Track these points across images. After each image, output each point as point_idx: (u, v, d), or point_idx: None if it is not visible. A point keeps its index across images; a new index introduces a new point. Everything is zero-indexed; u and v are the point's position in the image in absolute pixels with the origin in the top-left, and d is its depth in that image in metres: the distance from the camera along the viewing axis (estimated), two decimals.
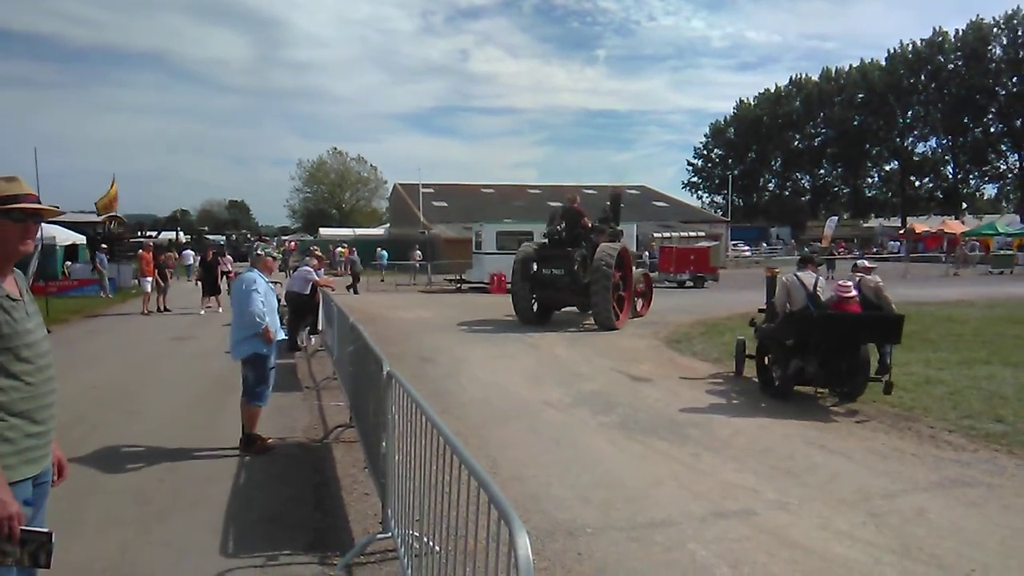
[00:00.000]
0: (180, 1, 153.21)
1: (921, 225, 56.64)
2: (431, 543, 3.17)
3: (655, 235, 41.04)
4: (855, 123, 73.76)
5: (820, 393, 8.60)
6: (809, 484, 5.55)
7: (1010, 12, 62.36)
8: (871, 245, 56.45)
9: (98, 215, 29.98)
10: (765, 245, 59.71)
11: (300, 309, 12.31)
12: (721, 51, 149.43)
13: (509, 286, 22.67)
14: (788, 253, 53.69)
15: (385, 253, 37.70)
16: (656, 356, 11.87)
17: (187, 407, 8.32)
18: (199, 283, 20.72)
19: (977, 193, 73.31)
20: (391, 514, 4.11)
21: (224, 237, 58.94)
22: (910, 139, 72.25)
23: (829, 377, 8.17)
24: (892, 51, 70.48)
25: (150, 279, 19.42)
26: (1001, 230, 44.02)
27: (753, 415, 7.83)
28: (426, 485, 3.25)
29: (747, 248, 56.51)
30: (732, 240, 55.07)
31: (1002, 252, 37.95)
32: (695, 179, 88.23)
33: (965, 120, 66.69)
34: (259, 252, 7.13)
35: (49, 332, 2.85)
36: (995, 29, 63.74)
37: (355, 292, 26.01)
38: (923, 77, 67.88)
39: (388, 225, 68.86)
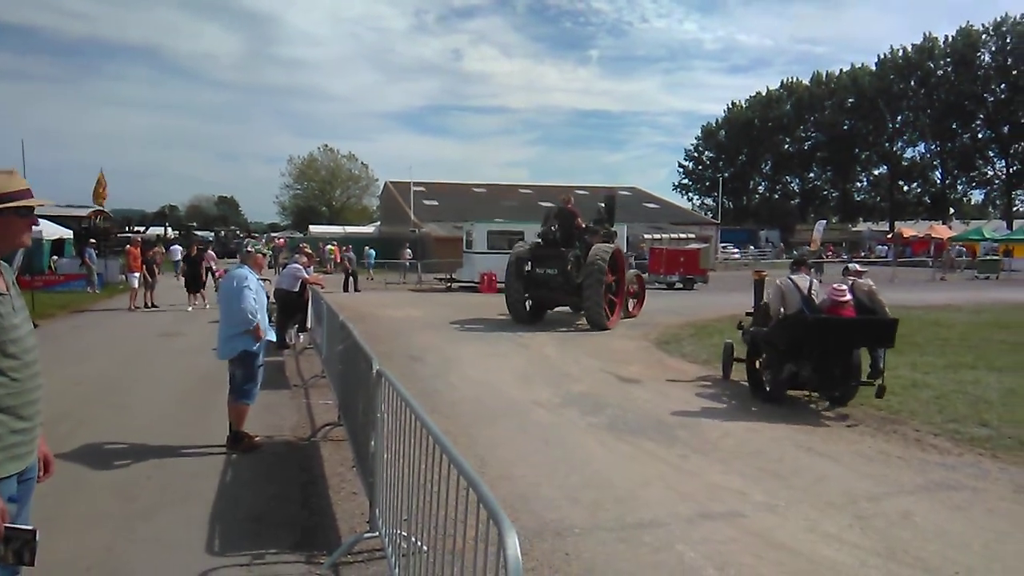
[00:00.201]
0: None
1: (909, 230, 57.02)
2: (419, 542, 3.17)
3: (645, 236, 41.12)
4: (845, 127, 74.25)
5: (810, 397, 8.59)
6: (796, 486, 5.58)
7: (999, 20, 63.00)
8: (859, 249, 56.78)
9: (93, 206, 29.86)
10: (753, 248, 59.99)
11: (289, 307, 12.25)
12: (713, 54, 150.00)
13: (500, 285, 22.73)
14: (777, 256, 54.01)
15: (373, 251, 37.59)
16: (645, 357, 11.90)
17: (174, 404, 8.27)
18: (183, 279, 20.58)
19: (964, 198, 74.00)
20: (379, 513, 4.10)
21: (213, 233, 58.52)
22: (899, 144, 72.83)
23: (822, 381, 8.10)
24: (882, 56, 71.02)
25: (137, 275, 19.28)
26: (988, 235, 44.40)
27: (741, 417, 7.86)
28: (414, 484, 3.24)
29: (736, 250, 56.74)
30: (722, 242, 55.23)
31: (988, 257, 38.26)
32: (686, 181, 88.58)
33: (953, 126, 67.27)
34: (249, 249, 7.08)
35: (36, 327, 2.83)
36: (984, 36, 64.30)
37: (356, 290, 25.94)
38: (913, 83, 68.38)
39: (379, 223, 68.66)
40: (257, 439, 6.56)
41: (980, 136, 67.36)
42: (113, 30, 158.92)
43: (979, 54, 64.66)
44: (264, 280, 7.33)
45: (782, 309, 8.49)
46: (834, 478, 5.80)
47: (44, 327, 14.29)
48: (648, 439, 6.88)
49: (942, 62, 66.80)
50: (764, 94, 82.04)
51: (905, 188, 74.05)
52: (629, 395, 8.91)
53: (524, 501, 5.16)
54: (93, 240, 26.24)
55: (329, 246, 41.38)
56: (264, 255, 7.12)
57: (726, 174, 78.66)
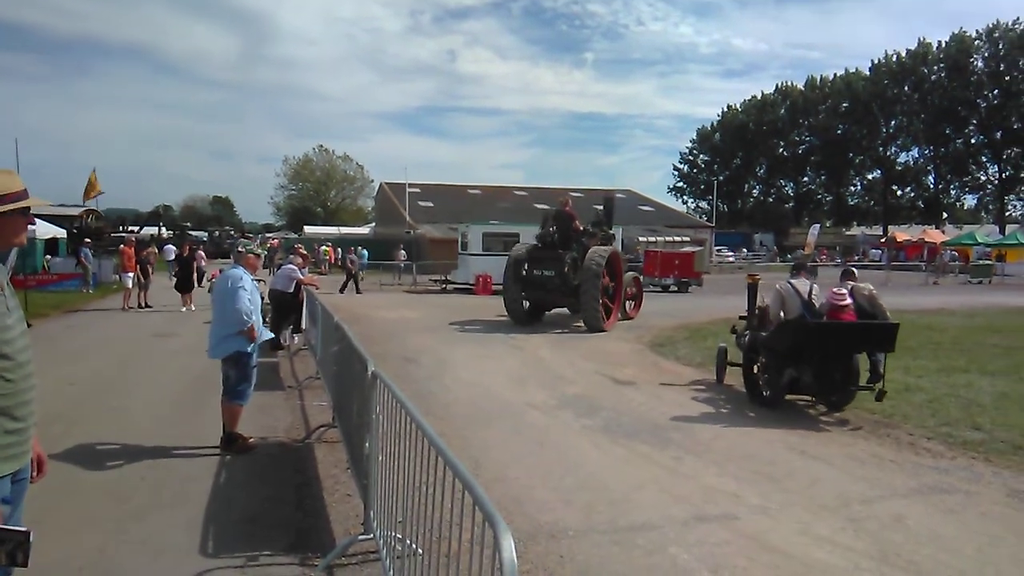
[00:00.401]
0: None
1: (902, 234, 57.38)
2: (413, 545, 3.17)
3: (640, 239, 41.18)
4: (839, 132, 74.66)
5: (807, 401, 8.54)
6: (790, 489, 5.59)
7: (991, 26, 63.39)
8: (853, 253, 57.06)
9: (83, 204, 29.77)
10: (746, 251, 60.16)
11: (283, 307, 12.23)
12: (708, 57, 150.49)
13: (495, 287, 22.78)
14: (771, 259, 54.21)
15: (365, 252, 37.48)
16: (640, 360, 11.91)
17: (168, 405, 8.24)
18: (175, 280, 20.50)
19: (958, 203, 74.43)
20: (373, 515, 4.09)
21: (207, 233, 58.25)
22: (893, 149, 73.33)
23: (822, 386, 8.02)
24: (876, 61, 71.46)
25: (131, 275, 19.21)
26: (980, 240, 44.69)
27: (735, 420, 7.87)
28: (409, 486, 3.23)
29: (731, 254, 56.89)
30: (716, 246, 55.39)
31: (981, 262, 38.48)
32: (681, 184, 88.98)
33: (947, 131, 67.73)
34: (240, 249, 7.06)
35: (29, 327, 2.82)
36: (977, 42, 64.73)
37: (357, 292, 25.88)
38: (906, 88, 68.82)
39: (374, 224, 68.59)
40: (251, 440, 6.54)
41: (973, 141, 67.85)
42: (105, 29, 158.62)
43: (972, 60, 65.16)
44: (259, 281, 7.31)
45: (782, 314, 8.41)
46: (827, 481, 5.81)
47: (37, 327, 14.22)
48: (642, 442, 6.88)
49: (935, 67, 67.29)
50: (759, 98, 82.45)
51: (899, 192, 74.49)
52: (623, 397, 8.91)
53: (518, 503, 5.16)
54: (89, 240, 26.16)
55: (324, 247, 41.33)
56: (257, 255, 7.09)
57: (721, 177, 79.04)
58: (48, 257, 27.02)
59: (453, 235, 33.04)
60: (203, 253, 24.03)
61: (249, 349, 6.44)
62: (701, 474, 5.95)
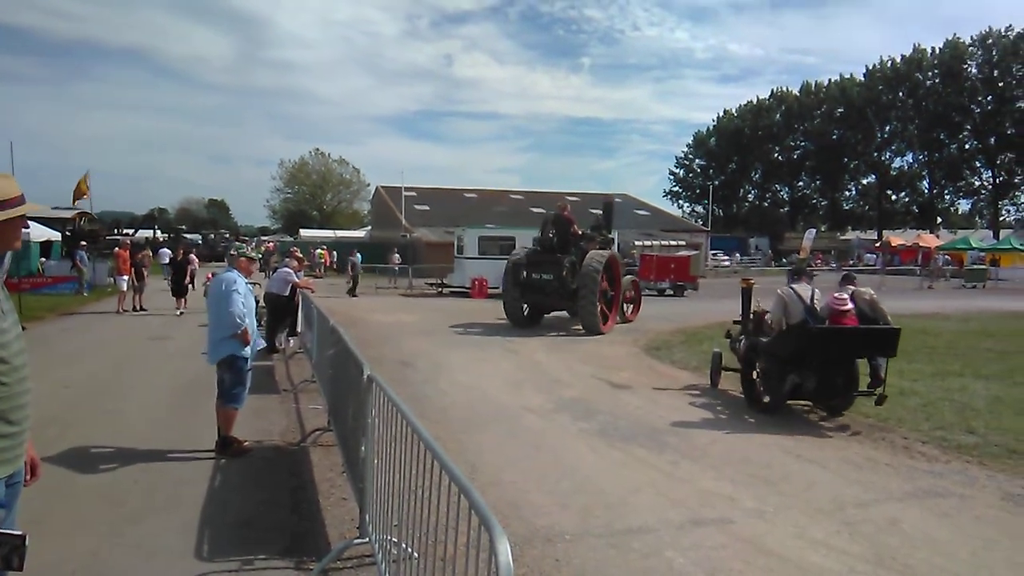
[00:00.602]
0: None
1: (897, 238, 57.56)
2: (409, 549, 3.16)
3: (636, 243, 41.25)
4: (834, 137, 74.87)
5: (804, 406, 8.50)
6: (785, 493, 5.60)
7: (984, 32, 63.73)
8: (848, 257, 57.19)
9: (72, 206, 29.68)
10: (739, 255, 60.28)
11: (279, 311, 12.22)
12: (704, 63, 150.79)
13: (491, 291, 22.82)
14: (766, 264, 54.30)
15: (359, 255, 37.36)
16: (636, 364, 11.92)
17: (162, 408, 8.22)
18: (169, 283, 20.45)
19: (952, 208, 74.62)
20: (369, 519, 4.08)
21: (201, 236, 58.09)
22: (887, 154, 73.42)
23: (824, 391, 7.95)
24: (871, 67, 71.67)
25: (126, 278, 19.14)
26: (975, 245, 44.87)
27: (731, 424, 7.88)
28: (405, 490, 3.23)
29: (726, 258, 57.00)
30: (712, 250, 55.48)
31: (975, 266, 38.63)
32: (676, 188, 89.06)
33: (941, 136, 67.93)
34: (232, 252, 7.06)
35: (24, 330, 2.81)
36: (971, 48, 65.04)
37: (353, 295, 25.89)
38: (901, 93, 69.03)
39: (370, 228, 68.52)
40: (246, 444, 6.52)
41: (967, 147, 68.04)
42: (104, 32, 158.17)
43: (966, 66, 65.36)
44: (253, 284, 7.30)
45: (785, 319, 8.30)
46: (823, 485, 5.82)
47: (32, 330, 14.17)
48: (639, 445, 6.88)
49: (930, 73, 67.52)
50: (754, 103, 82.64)
51: (893, 197, 74.66)
52: (620, 401, 8.92)
53: (514, 507, 5.15)
54: (84, 243, 26.11)
55: (319, 250, 41.24)
56: (251, 259, 7.07)
57: (716, 182, 79.15)
58: (43, 260, 26.94)
59: (449, 239, 33.05)
60: (194, 257, 23.89)
61: (244, 353, 6.43)
62: (697, 478, 5.95)
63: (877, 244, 55.64)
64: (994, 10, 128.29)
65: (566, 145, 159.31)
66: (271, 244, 46.20)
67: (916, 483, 5.90)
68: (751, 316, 9.60)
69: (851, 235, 74.25)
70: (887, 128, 71.68)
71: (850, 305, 8.18)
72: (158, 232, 49.35)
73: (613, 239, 17.63)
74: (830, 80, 76.31)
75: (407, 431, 3.21)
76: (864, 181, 77.40)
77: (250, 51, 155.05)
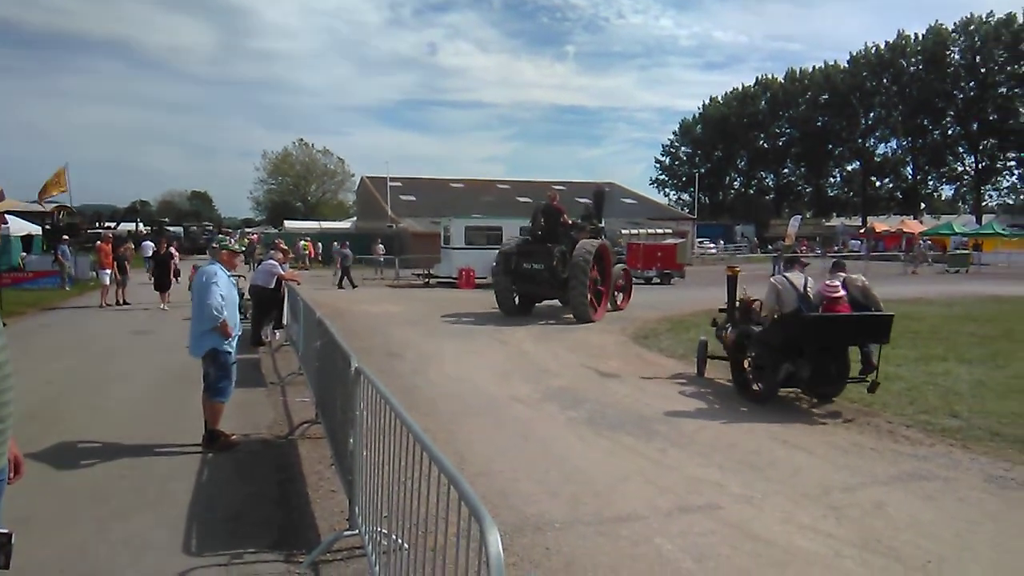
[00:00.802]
0: None
1: (881, 224, 57.94)
2: (399, 540, 3.16)
3: (623, 231, 41.33)
4: (818, 124, 75.27)
5: (792, 393, 8.52)
6: (772, 478, 5.65)
7: (966, 19, 64.13)
8: (833, 244, 57.56)
9: (41, 202, 29.28)
10: (725, 243, 60.51)
11: (264, 303, 12.13)
12: (688, 50, 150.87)
13: (478, 281, 22.82)
14: (752, 251, 54.56)
15: (349, 248, 37.11)
16: (624, 352, 11.96)
17: (148, 403, 8.16)
18: (152, 277, 20.24)
19: (935, 194, 75.29)
20: (358, 511, 4.08)
21: (183, 228, 57.50)
22: (871, 140, 74.00)
23: (818, 379, 7.95)
24: (855, 54, 71.99)
25: (108, 271, 18.95)
26: (957, 230, 45.28)
27: (719, 412, 7.94)
28: (394, 481, 3.22)
29: (712, 245, 57.24)
30: (698, 237, 55.65)
31: (958, 251, 39.01)
32: (662, 176, 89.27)
33: (924, 122, 68.45)
34: (215, 245, 6.99)
35: (4, 325, 2.77)
36: (954, 34, 65.45)
37: (339, 287, 25.64)
38: (885, 80, 69.44)
39: (355, 219, 68.15)
40: (233, 437, 6.49)
41: (950, 132, 68.60)
42: (83, 23, 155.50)
43: (949, 52, 65.81)
44: (238, 276, 7.23)
45: (778, 308, 8.25)
46: (809, 470, 5.88)
47: (13, 325, 14.00)
48: (627, 433, 6.92)
49: (913, 60, 67.90)
50: (739, 91, 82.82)
51: (877, 183, 75.23)
52: (608, 390, 8.95)
53: (503, 496, 5.17)
54: (67, 237, 25.81)
55: (303, 242, 40.93)
56: (233, 251, 6.99)
57: (702, 170, 79.32)
58: (24, 254, 26.61)
59: (435, 229, 32.92)
60: (174, 251, 23.59)
61: (225, 346, 6.38)
62: (685, 465, 5.99)
63: (861, 230, 55.99)
64: None
65: (552, 134, 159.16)
66: (255, 236, 45.82)
67: (901, 467, 5.97)
68: (737, 304, 9.64)
69: (836, 221, 74.68)
70: (871, 114, 72.14)
71: (842, 292, 8.16)
72: (140, 225, 48.89)
73: (604, 228, 17.70)
74: (814, 67, 76.75)
75: (395, 422, 3.20)
76: (848, 167, 78.00)
77: (232, 41, 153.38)
